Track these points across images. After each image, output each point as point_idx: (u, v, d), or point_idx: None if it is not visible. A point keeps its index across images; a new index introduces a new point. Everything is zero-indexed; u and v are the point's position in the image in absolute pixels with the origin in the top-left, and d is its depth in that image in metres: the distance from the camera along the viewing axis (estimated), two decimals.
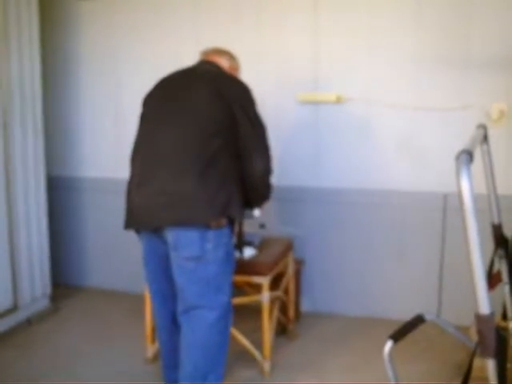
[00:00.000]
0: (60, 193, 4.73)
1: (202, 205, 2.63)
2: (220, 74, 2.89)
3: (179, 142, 2.69)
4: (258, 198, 2.98)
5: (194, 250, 2.66)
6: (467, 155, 1.32)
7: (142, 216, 2.75)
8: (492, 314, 1.37)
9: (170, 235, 2.68)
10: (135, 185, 2.79)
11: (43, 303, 4.25)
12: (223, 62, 3.02)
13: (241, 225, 3.01)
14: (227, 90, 2.74)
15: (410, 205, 3.96)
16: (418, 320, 2.61)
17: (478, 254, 1.30)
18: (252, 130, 2.76)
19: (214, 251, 2.68)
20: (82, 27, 4.57)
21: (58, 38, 4.62)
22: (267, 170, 2.83)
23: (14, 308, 3.94)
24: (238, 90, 2.81)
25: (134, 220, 2.81)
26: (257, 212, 3.10)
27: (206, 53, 3.06)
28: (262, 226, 3.60)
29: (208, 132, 2.67)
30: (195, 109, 2.72)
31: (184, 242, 2.66)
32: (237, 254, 3.12)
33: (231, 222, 2.80)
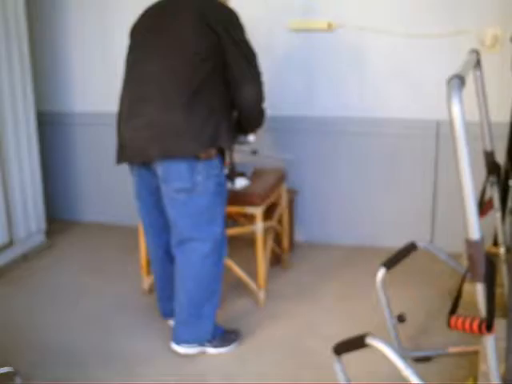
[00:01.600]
0: (51, 128, 4.69)
1: (190, 136, 2.60)
2: (205, 1, 2.76)
3: (164, 74, 2.64)
4: (251, 124, 2.94)
5: (183, 181, 2.65)
6: (458, 80, 1.29)
7: (131, 150, 2.73)
8: (482, 239, 1.37)
9: (160, 168, 2.67)
10: (124, 119, 2.76)
11: (38, 238, 4.28)
12: None
13: (231, 156, 2.97)
14: (212, 16, 2.64)
15: (402, 133, 3.95)
16: (411, 247, 2.64)
17: (468, 179, 1.30)
18: (239, 56, 2.66)
19: (205, 183, 2.67)
20: None
21: None
22: (258, 98, 2.75)
23: (9, 243, 3.96)
24: (224, 16, 2.70)
25: (124, 154, 2.79)
26: (251, 137, 3.09)
27: None
28: (254, 152, 3.53)
29: (193, 61, 2.62)
30: (179, 38, 2.65)
31: (174, 175, 2.65)
32: (229, 185, 3.11)
33: (222, 153, 2.78)
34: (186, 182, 2.65)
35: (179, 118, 2.60)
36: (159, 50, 2.68)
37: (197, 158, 2.62)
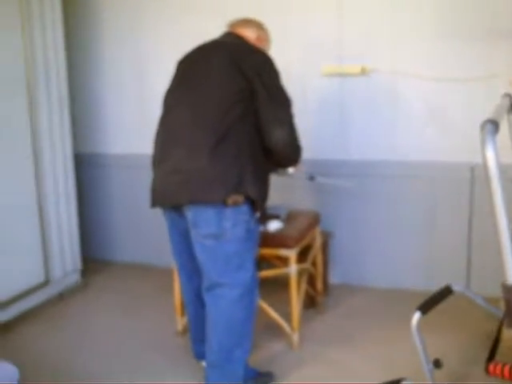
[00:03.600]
0: (87, 169, 4.78)
1: (214, 182, 2.58)
2: (240, 45, 2.81)
3: (193, 119, 2.65)
4: (286, 164, 2.96)
5: (211, 227, 2.64)
6: (492, 125, 1.30)
7: (162, 194, 2.75)
8: None
9: (189, 213, 2.68)
10: (156, 163, 2.80)
11: (74, 278, 4.32)
12: (249, 33, 2.93)
13: (260, 202, 2.80)
14: (245, 61, 2.65)
15: (436, 176, 3.93)
16: (447, 291, 2.60)
17: (504, 223, 1.29)
18: (269, 101, 2.63)
19: (233, 229, 2.64)
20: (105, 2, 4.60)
21: (81, 14, 4.65)
22: (288, 142, 2.71)
23: (45, 282, 4.02)
24: (257, 60, 2.70)
25: (156, 198, 2.81)
26: (290, 169, 3.10)
27: (232, 24, 2.99)
28: (312, 178, 3.53)
29: (222, 107, 2.61)
30: (211, 83, 2.67)
31: (202, 220, 2.65)
32: (262, 228, 3.11)
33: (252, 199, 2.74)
34: (213, 228, 2.64)
35: (204, 163, 2.58)
36: (192, 96, 2.71)
37: (224, 203, 2.59)
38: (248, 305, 2.80)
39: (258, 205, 2.70)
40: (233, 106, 2.61)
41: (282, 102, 2.71)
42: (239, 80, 2.62)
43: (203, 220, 2.65)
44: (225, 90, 2.63)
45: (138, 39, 4.51)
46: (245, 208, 2.67)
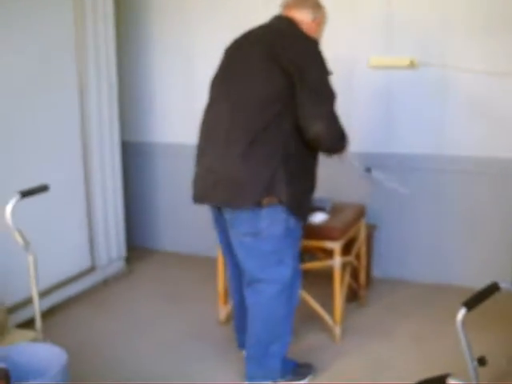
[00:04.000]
0: (133, 157, 4.84)
1: (246, 185, 2.56)
2: (285, 34, 2.66)
3: (231, 116, 2.61)
4: (332, 154, 2.88)
5: (248, 227, 2.64)
6: None
7: (201, 192, 2.77)
8: None
9: (226, 213, 2.70)
10: (198, 157, 2.81)
11: (119, 265, 4.39)
12: (304, 16, 2.75)
13: (295, 205, 2.67)
14: (286, 54, 2.54)
15: (484, 171, 3.88)
16: (493, 288, 2.56)
17: None
18: (309, 97, 2.53)
19: (270, 227, 2.62)
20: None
21: (131, 4, 4.68)
22: (327, 136, 2.60)
23: (91, 269, 4.10)
24: (300, 52, 2.58)
25: (196, 195, 2.81)
26: (344, 156, 2.98)
27: (286, 5, 2.80)
28: (368, 169, 3.63)
29: (258, 106, 2.55)
30: (250, 79, 2.61)
31: (238, 221, 2.65)
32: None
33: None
34: (250, 228, 2.64)
35: (237, 164, 2.56)
36: (232, 91, 2.67)
37: (258, 204, 2.57)
38: (286, 302, 2.79)
39: (293, 208, 2.63)
40: (269, 105, 2.55)
41: (324, 97, 2.60)
42: (277, 77, 2.53)
43: (239, 221, 2.65)
44: (262, 88, 2.57)
45: (187, 28, 4.53)
46: (281, 207, 2.61)
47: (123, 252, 4.42)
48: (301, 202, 2.71)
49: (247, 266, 2.77)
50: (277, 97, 2.55)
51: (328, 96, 2.61)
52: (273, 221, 2.62)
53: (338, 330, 3.36)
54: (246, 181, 2.57)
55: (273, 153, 2.56)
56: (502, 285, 2.56)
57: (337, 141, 2.74)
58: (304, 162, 2.71)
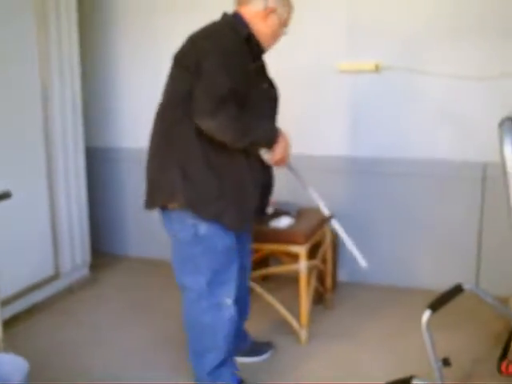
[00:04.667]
0: (100, 163, 4.79)
1: (155, 189, 2.66)
2: (196, 36, 2.56)
3: (153, 122, 2.71)
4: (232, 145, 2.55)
5: (167, 229, 2.71)
6: (511, 122, 1.29)
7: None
8: None
9: None
10: None
11: (83, 271, 4.34)
12: (253, 7, 2.62)
13: (201, 208, 2.58)
14: (189, 55, 2.51)
15: (448, 174, 3.92)
16: (457, 289, 2.60)
17: None
18: (201, 93, 2.41)
19: (181, 232, 2.62)
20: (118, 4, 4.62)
21: (95, 15, 4.66)
22: (221, 133, 2.45)
23: (55, 276, 4.03)
24: (200, 51, 2.48)
25: None
26: (266, 155, 2.69)
27: (236, 1, 2.72)
28: (329, 217, 3.09)
29: (162, 113, 2.64)
30: (165, 85, 2.66)
31: (163, 221, 2.72)
32: (273, 223, 3.08)
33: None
34: (168, 230, 2.70)
35: (148, 168, 2.70)
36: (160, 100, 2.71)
37: (166, 208, 2.63)
38: (208, 310, 2.70)
39: (200, 213, 2.56)
40: (170, 111, 2.58)
41: (217, 92, 2.40)
42: (179, 80, 2.53)
43: (163, 221, 2.72)
44: (166, 95, 2.63)
45: (154, 32, 4.49)
46: (190, 212, 2.57)
47: (88, 258, 4.37)
48: (212, 208, 2.58)
49: (174, 268, 2.78)
50: (176, 102, 2.54)
51: (221, 92, 2.41)
52: (182, 226, 2.61)
53: (304, 333, 3.36)
54: (154, 184, 2.66)
55: (173, 158, 2.56)
56: (466, 286, 2.60)
57: (238, 139, 2.48)
58: (216, 163, 2.56)
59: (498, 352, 2.45)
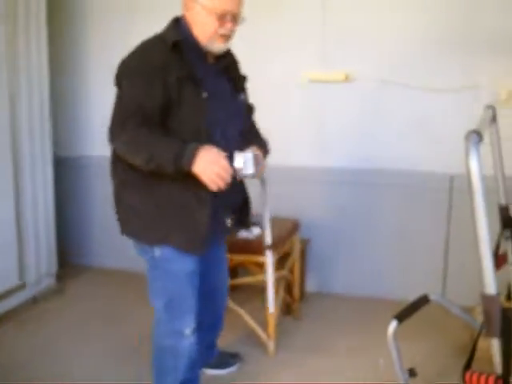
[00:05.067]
0: (68, 172, 4.73)
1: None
2: (126, 55, 2.52)
3: None
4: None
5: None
6: (476, 135, 1.31)
7: None
8: (498, 294, 1.37)
9: None
10: None
11: (49, 282, 4.27)
12: (184, 8, 2.46)
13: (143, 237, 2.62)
14: (115, 77, 2.48)
15: (414, 185, 3.95)
16: (423, 300, 2.61)
17: (485, 233, 1.30)
18: (113, 112, 2.40)
19: (144, 254, 2.60)
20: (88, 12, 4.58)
21: (66, 25, 4.61)
22: (126, 156, 2.39)
23: (20, 286, 3.96)
24: (119, 73, 2.47)
25: None
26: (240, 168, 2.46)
27: None
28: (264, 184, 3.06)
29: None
30: None
31: None
32: (244, 234, 3.11)
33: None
34: (137, 251, 2.68)
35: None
36: None
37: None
38: (167, 336, 2.64)
39: (140, 238, 2.60)
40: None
41: (122, 115, 2.35)
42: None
43: None
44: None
45: (126, 39, 4.43)
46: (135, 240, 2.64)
47: (54, 268, 4.30)
48: (153, 234, 2.52)
49: None
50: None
51: (125, 114, 2.33)
52: (143, 249, 2.61)
53: (271, 345, 3.35)
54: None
55: (115, 186, 2.61)
56: (432, 297, 2.61)
57: (144, 163, 2.32)
58: (154, 188, 2.45)
59: (463, 361, 2.46)
